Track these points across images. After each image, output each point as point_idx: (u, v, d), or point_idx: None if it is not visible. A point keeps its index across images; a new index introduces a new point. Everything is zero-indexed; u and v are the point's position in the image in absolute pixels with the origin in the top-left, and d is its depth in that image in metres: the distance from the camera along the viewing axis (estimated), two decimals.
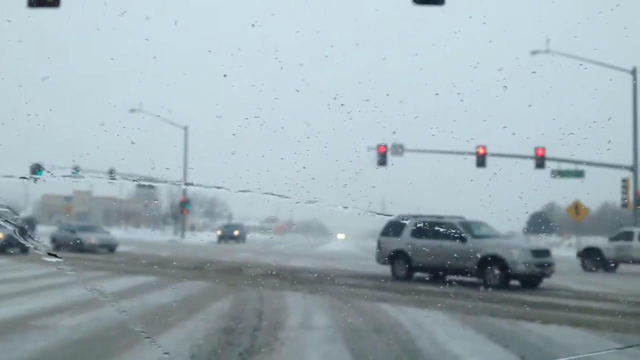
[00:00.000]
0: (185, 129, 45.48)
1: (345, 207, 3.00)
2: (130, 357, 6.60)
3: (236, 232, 50.81)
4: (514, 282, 16.16)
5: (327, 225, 64.32)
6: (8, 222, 2.48)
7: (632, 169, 31.81)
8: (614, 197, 33.36)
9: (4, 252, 23.37)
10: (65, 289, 11.65)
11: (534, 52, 30.23)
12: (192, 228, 64.83)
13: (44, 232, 34.80)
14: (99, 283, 13.96)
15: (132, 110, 37.31)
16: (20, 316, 9.14)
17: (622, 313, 11.24)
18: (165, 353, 5.34)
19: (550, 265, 16.45)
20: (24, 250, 21.38)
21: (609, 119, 11.17)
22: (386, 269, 18.19)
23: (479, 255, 16.11)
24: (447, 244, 16.95)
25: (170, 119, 42.06)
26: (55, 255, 2.57)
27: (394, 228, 18.15)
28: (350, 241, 59.62)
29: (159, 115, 37.41)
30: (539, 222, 43.95)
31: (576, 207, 32.16)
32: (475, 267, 16.17)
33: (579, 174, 30.64)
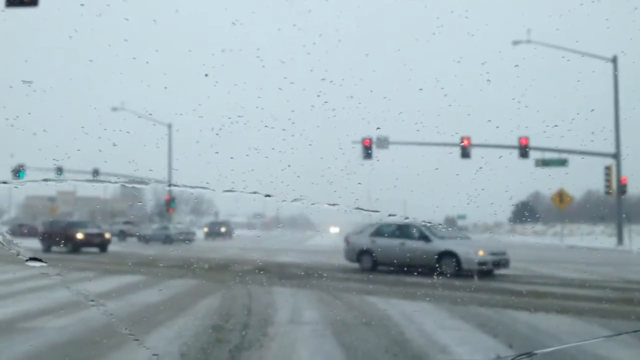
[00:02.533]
0: (169, 126, 45.22)
1: (331, 205, 2.99)
2: (120, 357, 6.56)
3: (223, 229, 50.86)
4: None
5: (314, 220, 64.53)
6: None
7: (615, 156, 32.16)
8: (598, 184, 33.69)
9: None
10: (51, 291, 11.55)
11: (515, 43, 30.48)
12: None
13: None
14: (85, 284, 13.86)
15: (115, 109, 37.08)
16: (6, 319, 9.05)
17: (607, 300, 11.38)
18: (154, 355, 5.31)
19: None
20: None
21: (591, 111, 11.23)
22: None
23: None
24: None
25: (153, 118, 41.80)
26: (39, 260, 2.53)
27: None
28: (340, 235, 59.70)
29: (139, 117, 37.01)
30: (524, 212, 44.32)
31: (560, 196, 32.49)
32: None
33: (562, 163, 30.94)
